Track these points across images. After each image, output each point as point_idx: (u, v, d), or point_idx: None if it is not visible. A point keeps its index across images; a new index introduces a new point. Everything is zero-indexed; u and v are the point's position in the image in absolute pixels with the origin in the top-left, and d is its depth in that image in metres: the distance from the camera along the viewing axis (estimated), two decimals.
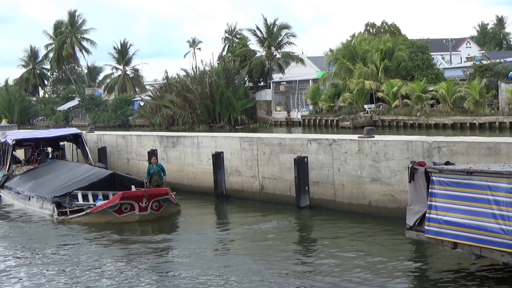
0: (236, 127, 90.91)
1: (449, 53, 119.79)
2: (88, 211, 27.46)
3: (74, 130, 41.23)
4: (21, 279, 19.67)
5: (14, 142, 37.19)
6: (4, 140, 38.47)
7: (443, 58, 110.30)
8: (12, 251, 23.36)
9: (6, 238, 25.96)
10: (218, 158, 32.15)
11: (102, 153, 40.15)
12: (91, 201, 28.98)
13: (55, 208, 28.52)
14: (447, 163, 18.34)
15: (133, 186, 28.52)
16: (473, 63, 77.05)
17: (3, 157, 38.55)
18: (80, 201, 29.04)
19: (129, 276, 19.30)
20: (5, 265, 21.40)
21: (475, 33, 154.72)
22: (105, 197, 28.94)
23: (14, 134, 40.11)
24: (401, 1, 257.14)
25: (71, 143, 40.45)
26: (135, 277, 19.17)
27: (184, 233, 25.59)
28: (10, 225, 28.81)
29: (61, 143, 41.03)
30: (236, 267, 19.56)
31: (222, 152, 32.14)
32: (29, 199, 31.40)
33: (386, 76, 79.14)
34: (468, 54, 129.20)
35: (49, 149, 40.29)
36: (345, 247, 21.31)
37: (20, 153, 40.65)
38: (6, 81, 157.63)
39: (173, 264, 20.56)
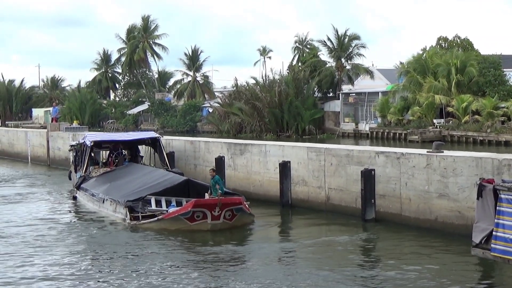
0: (304, 137, 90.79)
1: None
2: (160, 217, 27.22)
3: (152, 134, 41.20)
4: (87, 281, 20.00)
5: (92, 144, 37.31)
6: (83, 141, 38.53)
7: None
8: (81, 254, 23.59)
9: (77, 240, 26.19)
10: (285, 167, 32.22)
11: (170, 158, 40.23)
12: (164, 207, 28.87)
13: (128, 213, 28.40)
14: None
15: (206, 194, 28.45)
16: None
17: (81, 158, 38.70)
18: (153, 206, 28.96)
19: (194, 284, 19.48)
20: (71, 267, 21.72)
21: None
22: (179, 204, 28.79)
23: (93, 136, 40.25)
24: (474, 15, 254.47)
25: (149, 147, 40.41)
26: (201, 285, 19.35)
27: (251, 242, 25.62)
28: (83, 227, 29.02)
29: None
30: (301, 279, 19.59)
31: (289, 161, 32.20)
32: (103, 201, 31.47)
33: (457, 91, 78.43)
34: None
35: (127, 152, 40.21)
36: (409, 262, 21.17)
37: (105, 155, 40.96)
38: (79, 83, 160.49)
39: (239, 274, 20.55)
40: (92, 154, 38.22)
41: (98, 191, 32.71)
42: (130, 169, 35.87)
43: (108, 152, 40.05)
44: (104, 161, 39.54)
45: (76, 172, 38.96)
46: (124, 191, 30.83)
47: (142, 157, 40.18)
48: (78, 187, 36.08)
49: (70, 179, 40.85)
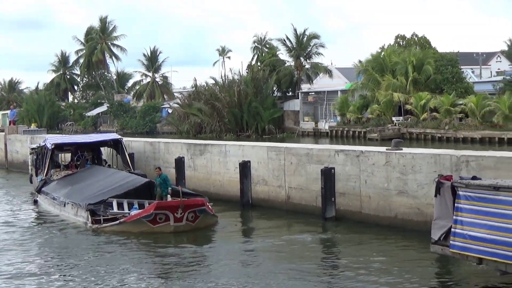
0: (263, 136, 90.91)
1: (479, 67, 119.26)
2: (122, 220, 26.84)
3: (114, 136, 40.76)
4: (47, 286, 19.75)
5: (53, 146, 36.79)
6: (44, 144, 38.02)
7: (473, 72, 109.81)
8: (42, 259, 23.27)
9: (38, 244, 25.76)
10: (245, 167, 32.20)
11: (129, 159, 40.04)
12: (126, 210, 28.44)
13: (89, 216, 27.94)
14: (474, 177, 18.26)
15: (169, 196, 28.25)
16: (503, 78, 76.79)
17: (42, 161, 38.14)
18: (115, 209, 28.49)
19: (157, 286, 19.39)
20: (33, 272, 21.43)
21: (505, 48, 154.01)
22: (141, 206, 28.32)
23: (54, 138, 39.69)
24: (432, 14, 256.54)
25: (111, 149, 39.92)
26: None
27: (213, 243, 25.45)
28: (44, 231, 28.55)
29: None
30: (261, 279, 19.54)
31: (249, 161, 32.18)
32: (64, 205, 30.94)
33: (415, 89, 78.98)
34: (498, 69, 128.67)
35: (89, 154, 39.60)
36: (369, 260, 21.24)
37: (66, 157, 40.31)
38: (37, 86, 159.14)
39: (202, 276, 20.39)
40: (54, 157, 37.80)
41: (59, 195, 32.21)
42: (92, 171, 35.44)
43: (67, 154, 39.64)
44: (65, 163, 39.05)
45: (37, 175, 38.42)
46: (85, 194, 30.37)
47: (106, 161, 39.68)
48: (39, 190, 35.52)
49: (31, 182, 40.28)
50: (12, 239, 26.75)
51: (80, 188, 32.15)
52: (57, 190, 33.30)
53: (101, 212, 28.10)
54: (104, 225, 27.30)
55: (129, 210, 28.21)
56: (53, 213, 32.08)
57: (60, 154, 40.09)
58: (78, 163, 37.93)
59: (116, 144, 39.11)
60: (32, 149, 41.78)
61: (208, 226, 27.38)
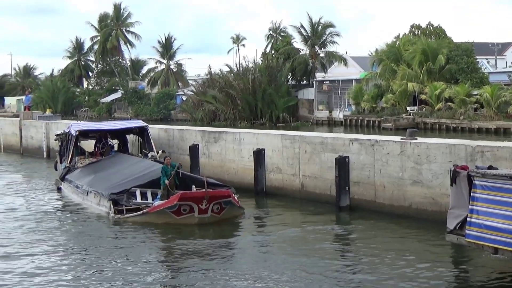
0: (278, 124, 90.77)
1: (494, 57, 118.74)
2: (145, 210, 26.24)
3: (140, 123, 40.10)
4: (68, 278, 19.61)
5: (77, 133, 36.45)
6: (68, 130, 37.62)
7: (488, 62, 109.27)
8: (61, 249, 22.95)
9: (59, 234, 25.40)
10: (259, 155, 32.20)
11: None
12: (150, 200, 27.95)
13: (112, 206, 27.38)
14: (490, 167, 18.22)
15: (193, 186, 27.87)
16: None
17: (66, 148, 37.76)
18: (138, 199, 28.09)
19: (176, 279, 19.38)
20: (51, 262, 21.27)
21: None
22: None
23: (78, 125, 39.15)
24: (447, 3, 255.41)
25: (137, 136, 39.46)
26: (183, 280, 19.21)
27: (228, 235, 24.89)
28: (66, 221, 28.12)
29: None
30: (277, 269, 19.55)
31: (264, 149, 32.19)
32: (87, 194, 30.45)
33: (429, 79, 78.65)
34: None
35: (114, 142, 39.30)
36: (384, 249, 21.27)
37: (87, 145, 39.84)
38: (52, 72, 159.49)
39: (219, 268, 20.29)
40: (78, 144, 37.56)
41: (82, 183, 31.71)
42: (116, 159, 34.95)
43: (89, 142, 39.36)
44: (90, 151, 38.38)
45: (61, 162, 37.94)
46: (108, 183, 29.84)
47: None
48: (63, 178, 35.02)
49: (56, 169, 39.60)
50: (31, 227, 26.38)
51: (103, 176, 31.68)
52: (80, 178, 32.78)
53: (124, 202, 27.63)
54: (126, 215, 26.76)
55: (152, 200, 27.67)
56: (76, 202, 31.68)
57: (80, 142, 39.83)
58: (103, 150, 37.48)
59: (141, 132, 38.59)
60: (57, 135, 41.27)
61: (234, 218, 26.68)
